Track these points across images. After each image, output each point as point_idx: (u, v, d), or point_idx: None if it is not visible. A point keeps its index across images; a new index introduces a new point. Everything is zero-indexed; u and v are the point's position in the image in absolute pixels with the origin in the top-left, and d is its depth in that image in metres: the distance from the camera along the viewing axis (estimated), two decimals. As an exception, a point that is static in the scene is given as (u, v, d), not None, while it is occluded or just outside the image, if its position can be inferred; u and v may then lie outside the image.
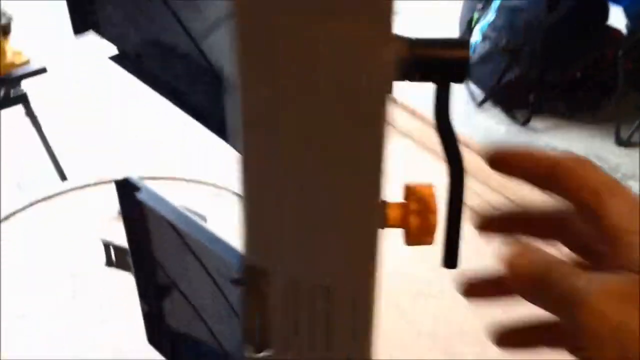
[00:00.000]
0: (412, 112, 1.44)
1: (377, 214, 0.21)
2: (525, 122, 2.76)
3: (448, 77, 0.33)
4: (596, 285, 0.30)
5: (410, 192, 0.38)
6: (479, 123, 2.78)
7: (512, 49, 2.74)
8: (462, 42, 0.33)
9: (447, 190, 0.35)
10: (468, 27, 3.10)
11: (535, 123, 2.75)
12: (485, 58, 2.83)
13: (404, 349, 0.85)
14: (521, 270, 0.33)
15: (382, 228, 0.28)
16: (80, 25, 0.69)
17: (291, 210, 0.21)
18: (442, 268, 0.36)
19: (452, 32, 3.15)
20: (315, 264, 0.22)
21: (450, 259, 0.35)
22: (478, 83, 2.89)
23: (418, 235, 0.37)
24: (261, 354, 0.24)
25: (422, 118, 1.51)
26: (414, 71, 0.33)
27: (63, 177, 1.97)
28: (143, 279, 0.77)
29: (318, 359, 0.24)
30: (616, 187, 0.34)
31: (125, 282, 0.79)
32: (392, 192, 0.36)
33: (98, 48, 0.62)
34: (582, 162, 0.35)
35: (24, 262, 1.01)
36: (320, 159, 0.21)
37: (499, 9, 2.81)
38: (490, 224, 0.38)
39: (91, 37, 0.65)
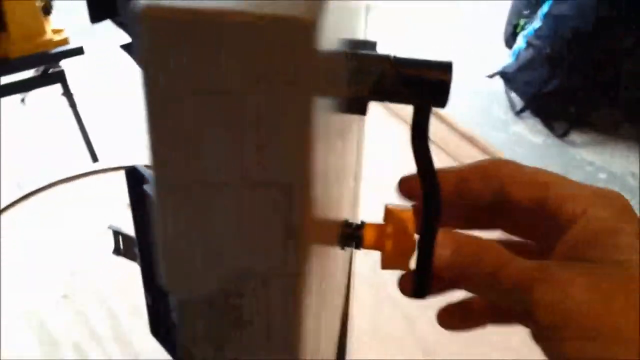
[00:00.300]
0: None
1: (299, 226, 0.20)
2: (563, 135, 2.70)
3: (429, 99, 0.32)
4: (577, 285, 0.30)
5: (389, 214, 0.36)
6: (516, 132, 2.73)
7: (556, 58, 2.68)
8: (445, 65, 0.31)
9: (422, 217, 0.34)
10: (513, 33, 3.05)
11: (574, 136, 2.69)
12: (527, 66, 2.77)
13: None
14: (465, 265, 0.33)
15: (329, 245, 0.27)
16: (97, 13, 0.69)
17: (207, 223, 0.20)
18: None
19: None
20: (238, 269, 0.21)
21: (420, 288, 0.34)
22: (518, 91, 2.84)
23: (392, 259, 0.36)
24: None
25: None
26: (395, 91, 0.32)
27: (95, 159, 1.99)
28: (148, 271, 0.77)
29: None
30: (551, 173, 0.34)
31: (130, 274, 0.79)
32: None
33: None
34: (506, 161, 0.35)
35: (27, 251, 1.02)
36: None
37: (546, 16, 2.75)
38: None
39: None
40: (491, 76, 2.93)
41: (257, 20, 0.16)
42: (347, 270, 0.47)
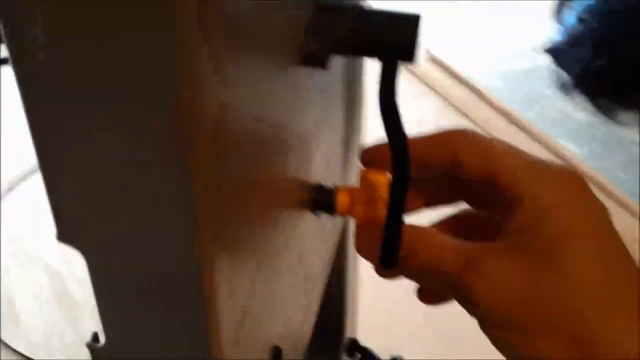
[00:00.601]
0: (445, 68, 1.38)
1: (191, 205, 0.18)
2: (610, 113, 2.61)
3: (395, 55, 0.29)
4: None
5: (362, 178, 0.35)
6: (560, 109, 2.64)
7: (606, 34, 2.58)
8: (412, 18, 0.29)
9: (391, 180, 0.32)
10: (564, 7, 2.96)
11: (622, 116, 2.60)
12: (576, 41, 2.67)
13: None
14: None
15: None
16: None
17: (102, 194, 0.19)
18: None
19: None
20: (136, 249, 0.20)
21: (388, 257, 0.32)
22: (565, 67, 2.74)
23: (364, 226, 0.34)
24: (98, 344, 0.22)
25: (457, 77, 1.45)
26: (359, 45, 0.30)
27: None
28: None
29: (154, 352, 0.22)
30: (505, 145, 0.33)
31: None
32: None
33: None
34: (461, 131, 0.34)
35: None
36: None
37: (598, -9, 2.65)
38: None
39: None
40: (538, 51, 2.85)
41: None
42: (330, 238, 0.45)
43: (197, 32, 0.17)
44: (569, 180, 0.31)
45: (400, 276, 0.35)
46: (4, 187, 1.30)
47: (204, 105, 0.18)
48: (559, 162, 0.33)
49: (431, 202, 0.37)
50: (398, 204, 0.31)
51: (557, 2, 3.01)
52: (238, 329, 0.23)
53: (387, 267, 0.32)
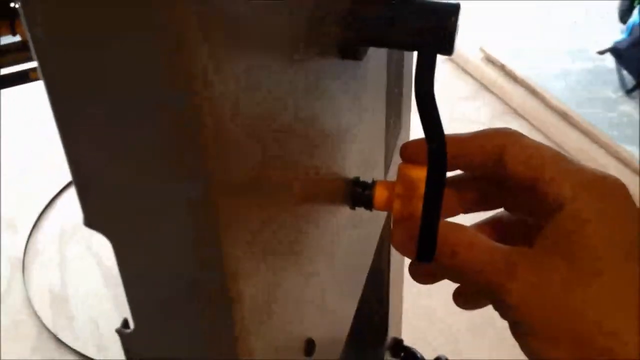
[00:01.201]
0: (501, 67, 1.36)
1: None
2: (677, 116, 2.52)
3: (431, 46, 0.29)
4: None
5: (401, 173, 0.34)
6: (625, 112, 2.58)
7: (673, 34, 2.50)
8: (450, 8, 0.28)
9: (427, 172, 0.31)
10: (629, 7, 2.88)
11: (689, 118, 2.51)
12: (640, 42, 2.60)
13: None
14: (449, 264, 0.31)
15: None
16: None
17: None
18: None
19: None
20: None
21: (426, 251, 0.31)
22: (630, 68, 2.67)
23: (401, 221, 0.34)
24: (127, 330, 0.22)
25: (513, 76, 1.41)
26: (394, 37, 0.29)
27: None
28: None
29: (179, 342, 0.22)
30: (551, 152, 0.32)
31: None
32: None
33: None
34: (508, 132, 0.33)
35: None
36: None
37: (666, -11, 2.57)
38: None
39: None
40: (602, 52, 2.77)
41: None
42: (370, 235, 0.44)
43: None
44: (612, 190, 0.31)
45: (435, 281, 0.35)
46: (66, 181, 1.33)
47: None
48: (619, 166, 0.32)
49: (469, 207, 0.36)
50: (434, 198, 0.31)
51: (622, 1, 2.93)
52: (265, 323, 0.23)
53: (423, 261, 0.32)
